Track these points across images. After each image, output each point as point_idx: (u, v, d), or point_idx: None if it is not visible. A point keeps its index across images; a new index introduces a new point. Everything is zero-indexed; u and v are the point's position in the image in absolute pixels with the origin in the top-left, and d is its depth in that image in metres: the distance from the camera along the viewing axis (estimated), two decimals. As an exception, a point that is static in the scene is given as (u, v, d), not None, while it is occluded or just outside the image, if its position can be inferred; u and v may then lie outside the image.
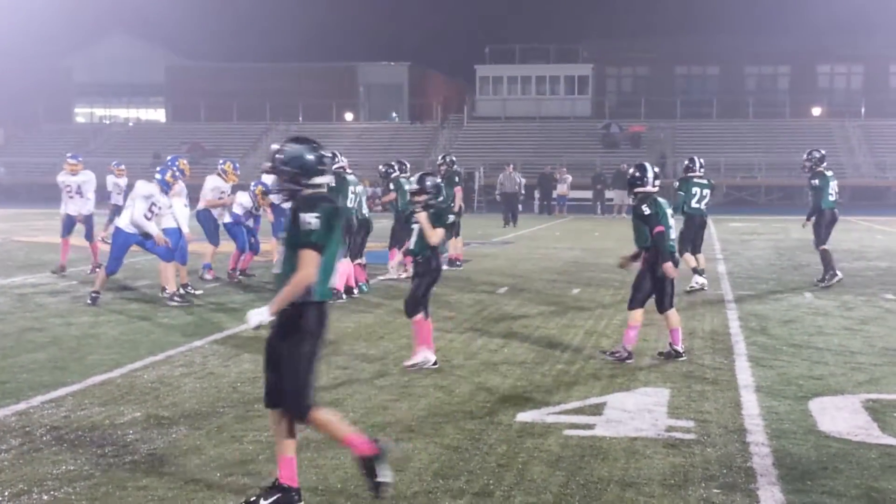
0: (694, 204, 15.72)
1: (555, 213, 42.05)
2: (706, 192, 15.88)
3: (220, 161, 17.05)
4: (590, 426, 7.58)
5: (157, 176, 13.96)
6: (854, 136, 56.20)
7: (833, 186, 16.22)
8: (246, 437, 7.18)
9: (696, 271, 15.59)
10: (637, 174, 10.28)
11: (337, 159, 15.90)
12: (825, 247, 16.38)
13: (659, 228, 9.89)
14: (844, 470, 6.56)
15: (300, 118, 64.43)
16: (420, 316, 9.69)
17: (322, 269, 5.64)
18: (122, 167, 22.26)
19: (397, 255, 16.56)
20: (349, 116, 67.25)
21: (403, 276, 17.13)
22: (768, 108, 60.30)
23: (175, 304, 13.58)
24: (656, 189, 10.26)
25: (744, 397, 8.52)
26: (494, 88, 66.44)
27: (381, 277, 16.72)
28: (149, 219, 13.54)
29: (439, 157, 20.37)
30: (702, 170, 16.07)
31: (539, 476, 6.40)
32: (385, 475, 5.77)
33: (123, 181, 21.83)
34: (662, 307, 10.19)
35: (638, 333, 10.28)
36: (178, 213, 14.33)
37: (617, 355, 10.01)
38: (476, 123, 62.84)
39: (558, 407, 8.18)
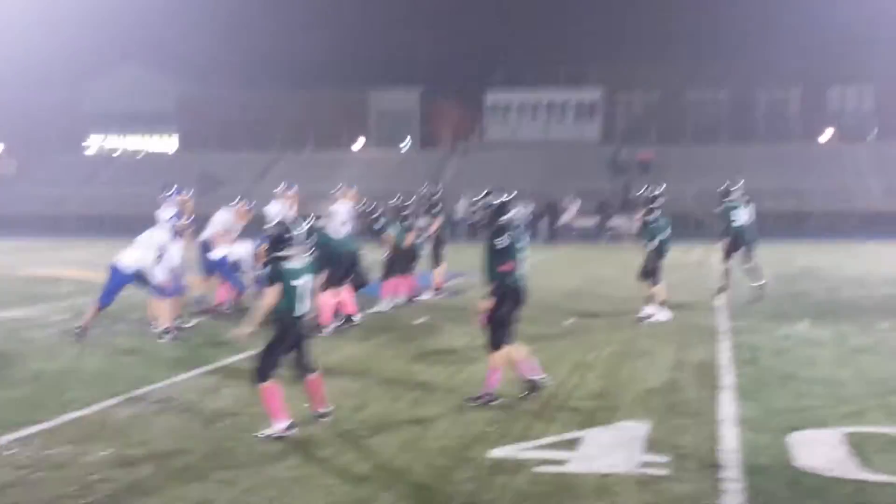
0: (664, 235, 15.65)
1: (560, 242, 41.86)
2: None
3: (237, 199, 17.06)
4: (562, 462, 7.47)
5: (169, 222, 14.36)
6: (864, 159, 55.95)
7: (740, 213, 18.31)
8: (210, 476, 7.10)
9: (660, 303, 15.50)
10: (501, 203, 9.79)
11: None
12: (728, 264, 18.53)
13: (507, 266, 9.46)
14: (815, 508, 6.44)
15: (310, 146, 64.52)
16: (270, 382, 8.39)
17: None
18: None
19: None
20: (359, 144, 67.31)
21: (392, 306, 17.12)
22: (779, 132, 60.14)
23: (166, 340, 13.48)
24: (516, 220, 9.82)
25: (724, 431, 8.39)
26: (504, 114, 66.51)
27: (374, 310, 16.59)
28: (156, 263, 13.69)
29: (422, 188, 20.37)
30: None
31: (503, 515, 6.30)
32: None
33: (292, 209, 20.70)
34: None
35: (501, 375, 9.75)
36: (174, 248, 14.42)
37: (482, 400, 9.53)
38: (486, 149, 62.81)
39: (534, 442, 8.07)
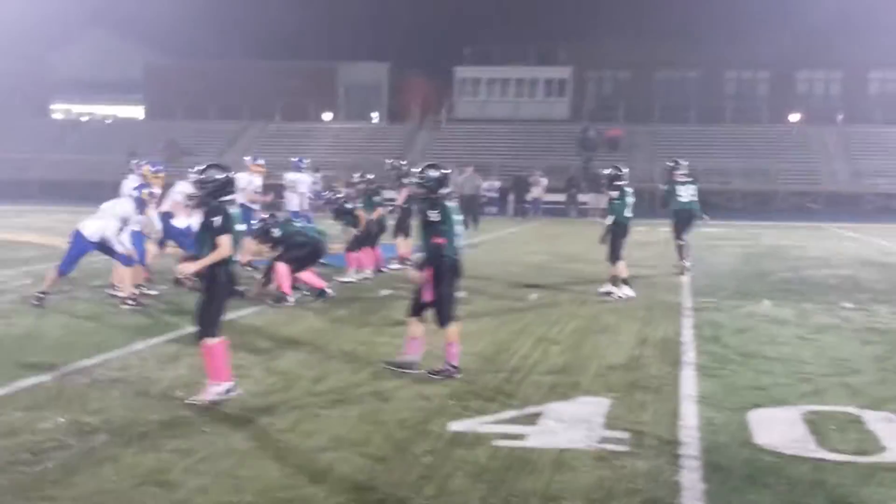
0: (626, 213, 15.62)
1: (528, 216, 41.84)
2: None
3: (195, 168, 16.69)
4: (521, 436, 7.44)
5: (133, 192, 14.13)
6: (831, 142, 56.24)
7: (685, 190, 19.00)
8: (167, 445, 7.01)
9: (624, 282, 15.51)
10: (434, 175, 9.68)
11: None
12: (680, 241, 19.07)
13: (439, 240, 9.36)
14: (773, 485, 6.44)
15: (278, 117, 64.08)
16: (212, 341, 8.28)
17: None
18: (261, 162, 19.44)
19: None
20: (328, 116, 66.95)
21: (362, 276, 17.03)
22: (747, 114, 60.31)
23: (128, 307, 13.35)
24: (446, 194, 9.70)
25: (684, 408, 8.39)
26: (473, 90, 66.40)
27: (341, 280, 16.49)
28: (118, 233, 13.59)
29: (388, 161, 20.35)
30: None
31: (460, 489, 6.26)
32: None
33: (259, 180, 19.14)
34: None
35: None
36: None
37: (444, 373, 9.47)
38: (454, 125, 62.66)
39: (494, 416, 8.03)
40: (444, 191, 9.61)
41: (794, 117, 61.46)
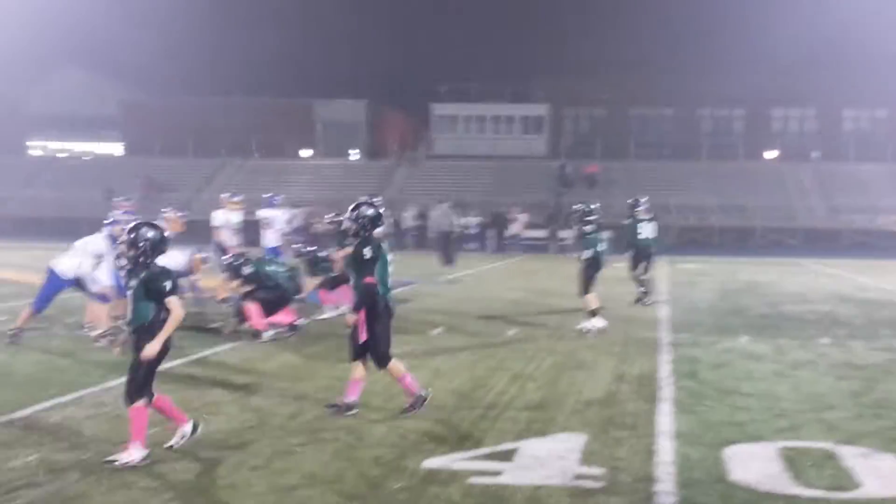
0: (601, 248, 15.93)
1: (508, 253, 41.83)
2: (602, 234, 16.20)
3: (165, 207, 16.64)
4: (497, 473, 7.39)
5: (107, 229, 13.97)
6: (807, 179, 56.61)
7: (646, 227, 19.78)
8: (138, 483, 6.94)
9: (593, 313, 15.68)
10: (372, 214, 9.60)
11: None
12: (640, 276, 19.89)
13: (369, 279, 9.22)
14: (748, 522, 6.42)
15: (256, 154, 64.08)
16: (141, 403, 7.71)
17: None
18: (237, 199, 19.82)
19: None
20: (306, 153, 66.99)
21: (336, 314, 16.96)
22: (722, 151, 60.69)
23: (103, 344, 13.22)
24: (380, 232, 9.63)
25: (660, 444, 8.36)
26: (451, 127, 66.62)
27: (321, 317, 16.46)
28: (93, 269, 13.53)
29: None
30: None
31: (434, 526, 6.22)
32: None
33: (236, 217, 19.43)
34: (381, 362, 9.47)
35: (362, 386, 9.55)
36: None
37: (413, 409, 9.39)
38: (432, 162, 62.83)
39: (469, 452, 7.98)
40: (378, 230, 9.52)
41: (770, 154, 61.82)
